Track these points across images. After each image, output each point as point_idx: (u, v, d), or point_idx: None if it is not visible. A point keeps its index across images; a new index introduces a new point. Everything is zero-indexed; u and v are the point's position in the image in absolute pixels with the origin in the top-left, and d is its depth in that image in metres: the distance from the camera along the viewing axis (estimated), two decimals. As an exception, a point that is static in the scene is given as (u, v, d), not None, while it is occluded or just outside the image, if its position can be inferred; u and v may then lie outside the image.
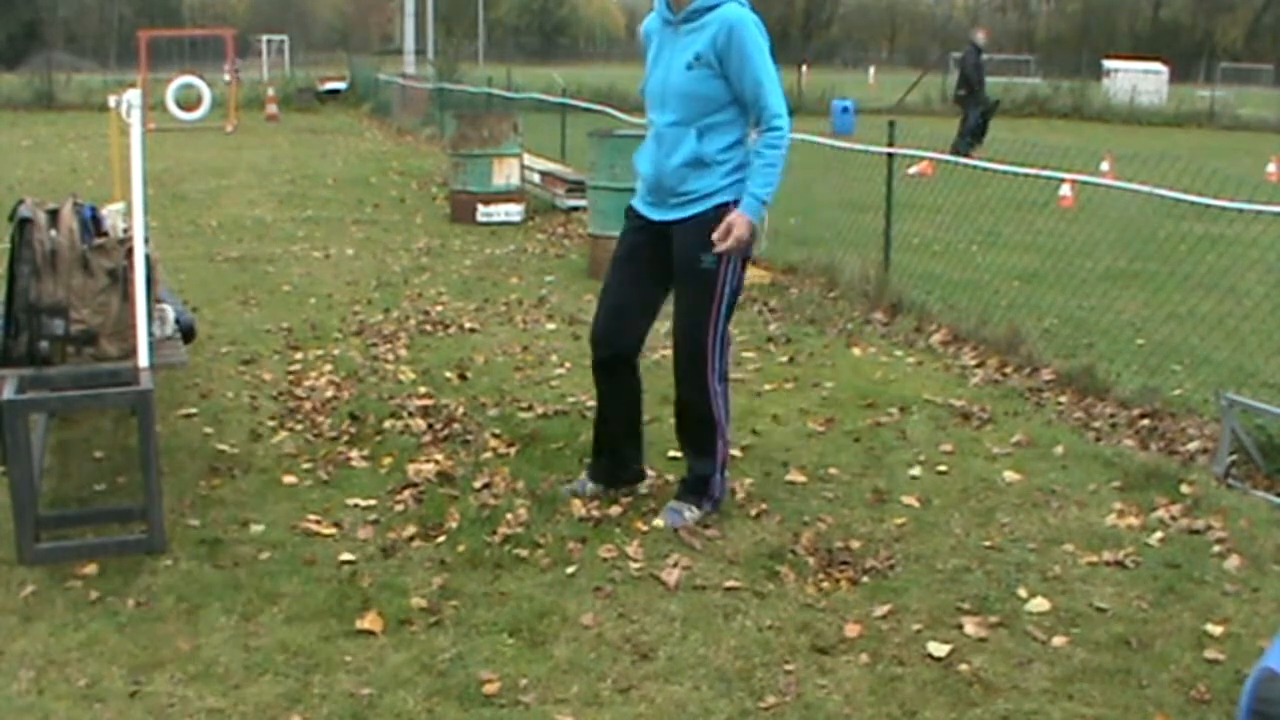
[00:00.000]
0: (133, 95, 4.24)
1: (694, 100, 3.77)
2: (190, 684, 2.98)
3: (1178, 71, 41.59)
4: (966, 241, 9.69)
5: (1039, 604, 3.45)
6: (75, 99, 27.92)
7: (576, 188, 11.22)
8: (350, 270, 8.62)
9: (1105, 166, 12.82)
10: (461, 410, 5.20)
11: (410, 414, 5.13)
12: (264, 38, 40.92)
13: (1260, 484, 4.41)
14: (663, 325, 6.93)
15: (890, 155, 7.61)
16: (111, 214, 4.49)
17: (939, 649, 3.18)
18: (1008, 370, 5.94)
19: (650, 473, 4.47)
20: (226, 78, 25.00)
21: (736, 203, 3.78)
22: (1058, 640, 3.25)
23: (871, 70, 50.15)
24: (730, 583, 3.57)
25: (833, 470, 4.54)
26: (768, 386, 5.68)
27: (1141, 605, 3.46)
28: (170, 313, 4.58)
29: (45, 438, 4.52)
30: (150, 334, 3.95)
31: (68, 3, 61.28)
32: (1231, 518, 4.07)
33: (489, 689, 2.96)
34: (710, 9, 3.75)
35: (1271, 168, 15.19)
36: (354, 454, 4.65)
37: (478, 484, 4.31)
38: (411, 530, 3.93)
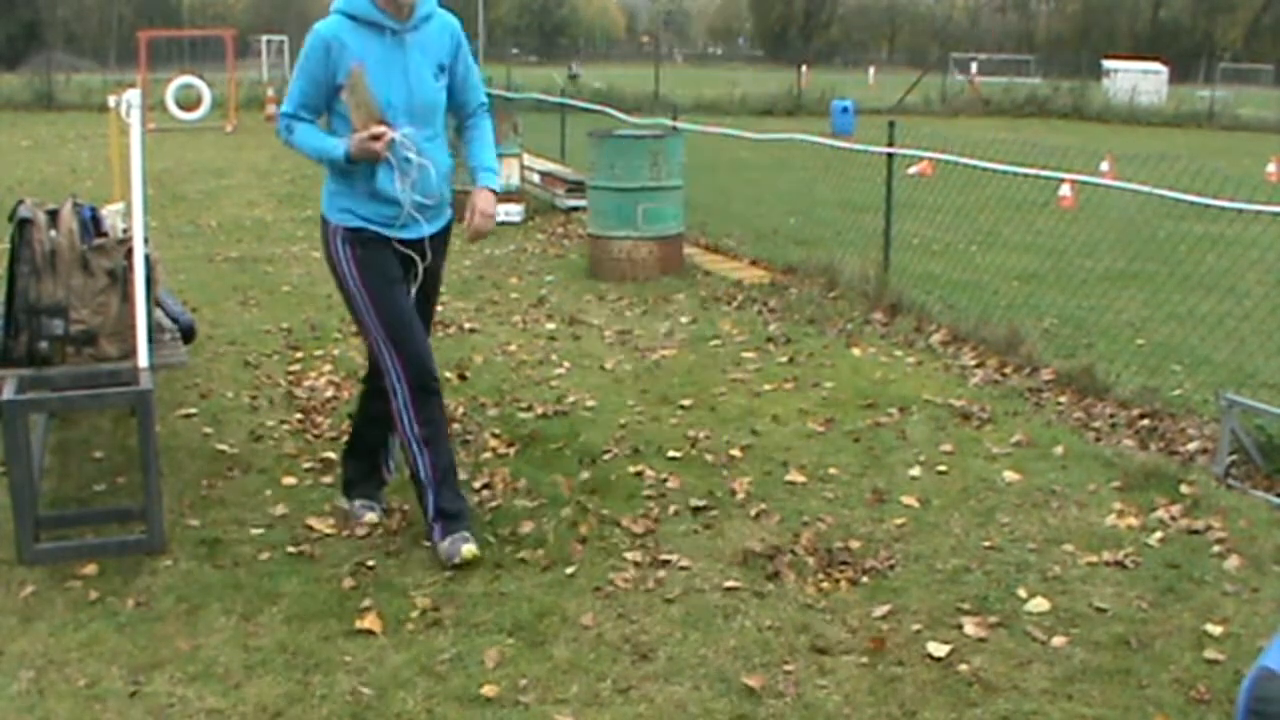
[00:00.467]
0: (132, 95, 4.24)
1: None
2: (190, 684, 2.98)
3: (1177, 71, 41.61)
4: (966, 241, 9.70)
5: (1039, 604, 3.45)
6: (75, 99, 27.91)
7: (576, 188, 11.22)
8: (350, 270, 8.60)
9: (1105, 166, 12.82)
10: (461, 410, 5.20)
11: (410, 414, 5.13)
12: (263, 38, 40.92)
13: (1260, 484, 4.41)
14: (662, 325, 6.96)
15: (890, 155, 7.62)
16: (111, 214, 4.49)
17: (939, 649, 3.18)
18: (1007, 370, 5.95)
19: (650, 473, 4.48)
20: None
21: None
22: (1057, 640, 3.25)
23: (871, 70, 50.16)
24: (730, 583, 3.57)
25: (833, 470, 4.54)
26: (768, 386, 5.68)
27: (1141, 605, 3.47)
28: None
29: (45, 438, 4.52)
30: (150, 334, 3.95)
31: (68, 3, 61.27)
32: (1231, 518, 4.07)
33: (489, 689, 2.96)
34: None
35: (1271, 168, 15.19)
36: (354, 454, 4.65)
37: (478, 484, 4.31)
38: (411, 530, 3.93)
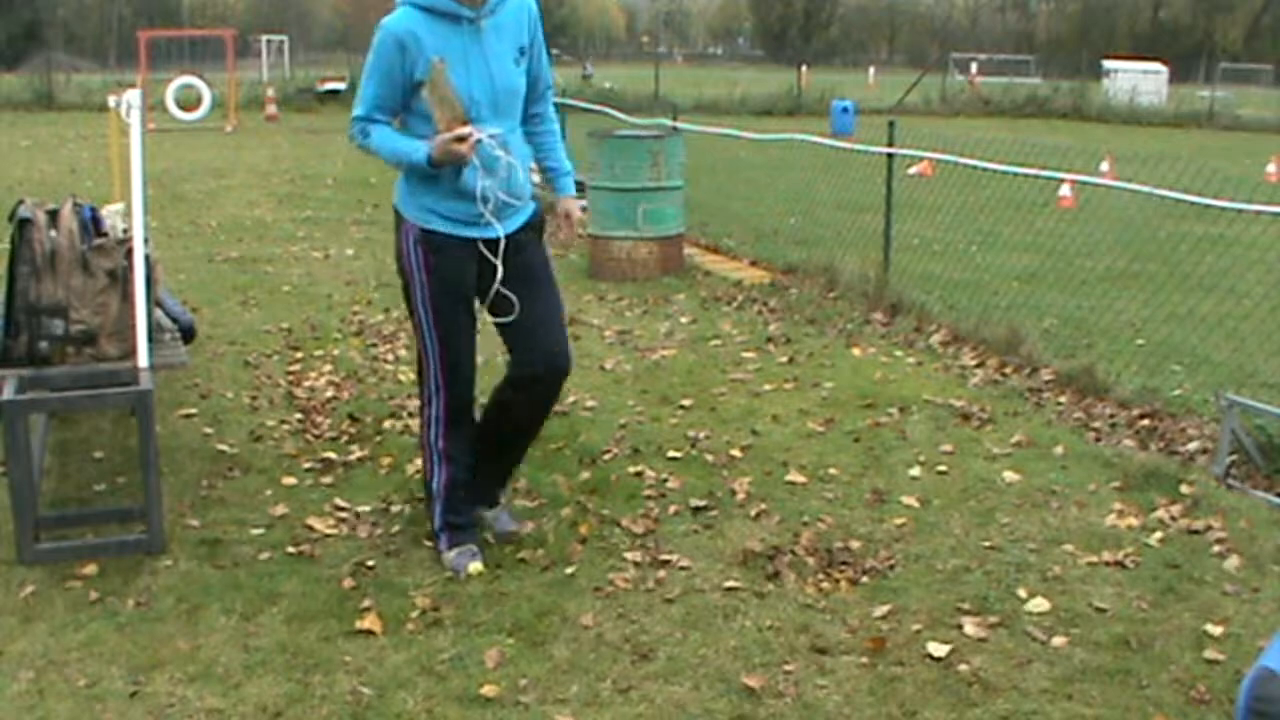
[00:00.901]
0: (132, 95, 4.24)
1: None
2: (190, 684, 2.98)
3: (1177, 72, 41.59)
4: (966, 241, 9.70)
5: (1039, 604, 3.45)
6: (75, 99, 27.91)
7: (577, 188, 11.21)
8: (350, 270, 8.62)
9: (1105, 167, 12.82)
10: (461, 410, 5.20)
11: (410, 414, 5.13)
12: (263, 38, 40.92)
13: (1260, 484, 4.41)
14: (662, 325, 6.96)
15: (890, 155, 7.62)
16: (111, 214, 4.49)
17: (939, 649, 3.18)
18: (1008, 370, 5.95)
19: (650, 473, 4.48)
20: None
21: None
22: (1057, 640, 3.25)
23: (871, 70, 50.16)
24: (730, 583, 3.57)
25: (833, 470, 4.54)
26: (767, 386, 5.68)
27: (1141, 605, 3.46)
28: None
29: (45, 438, 4.52)
30: (150, 334, 3.95)
31: (68, 3, 61.29)
32: (1231, 518, 4.07)
33: (489, 689, 2.96)
34: None
35: (1271, 168, 15.19)
36: (354, 454, 4.65)
37: (478, 484, 4.31)
38: (411, 530, 3.93)
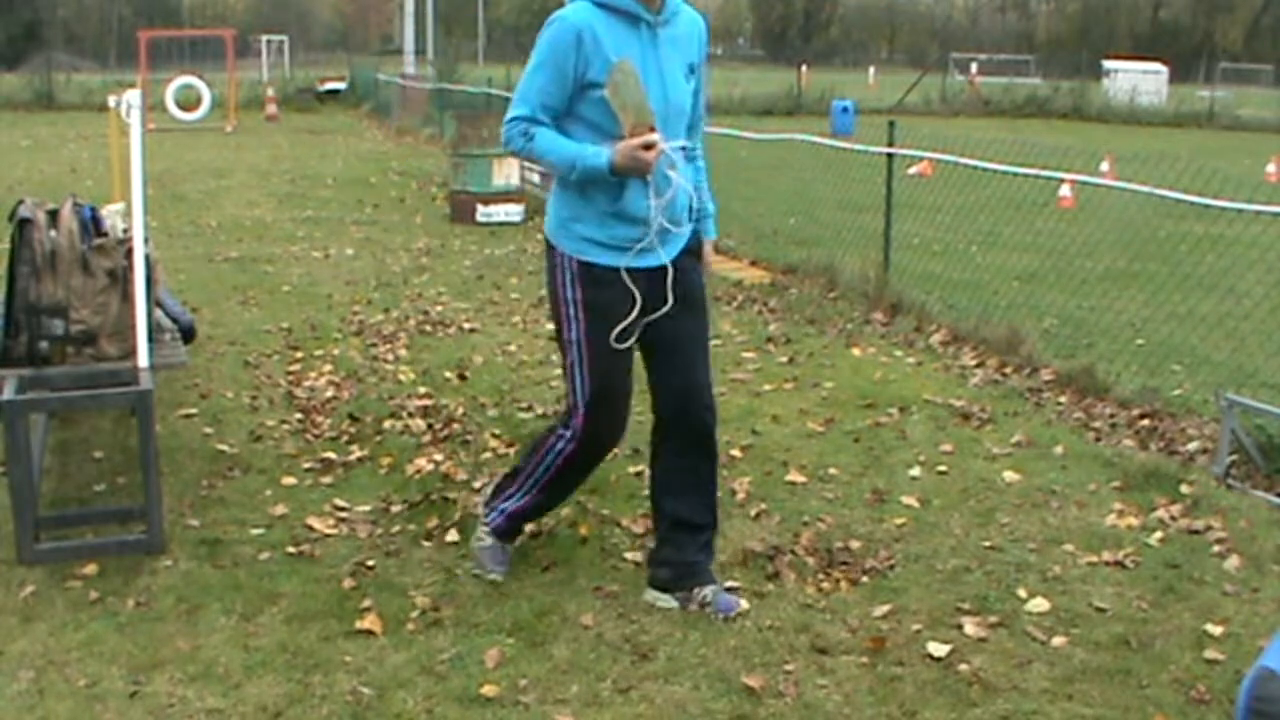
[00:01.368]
0: (132, 95, 4.24)
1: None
2: (190, 684, 2.98)
3: (1177, 72, 41.62)
4: (966, 241, 9.70)
5: (1039, 604, 3.45)
6: (75, 99, 27.94)
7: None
8: (350, 270, 8.62)
9: (1105, 167, 12.82)
10: (461, 410, 5.20)
11: (410, 414, 5.13)
12: (263, 38, 40.95)
13: (1260, 484, 4.41)
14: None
15: (890, 155, 7.62)
16: (111, 214, 4.49)
17: (939, 649, 3.18)
18: (1008, 370, 5.95)
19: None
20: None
21: None
22: (1057, 640, 3.25)
23: (871, 70, 50.16)
24: (730, 583, 3.57)
25: (833, 470, 4.54)
26: (767, 386, 5.68)
27: (1141, 605, 3.46)
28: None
29: (45, 438, 4.52)
30: (150, 334, 3.95)
31: (67, 3, 61.30)
32: (1231, 518, 4.07)
33: (489, 689, 2.96)
34: None
35: (1271, 168, 15.19)
36: (354, 454, 4.65)
37: (478, 484, 4.31)
38: (411, 530, 3.93)
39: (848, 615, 3.38)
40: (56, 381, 3.88)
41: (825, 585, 3.57)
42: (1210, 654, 3.17)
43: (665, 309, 3.24)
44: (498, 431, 4.92)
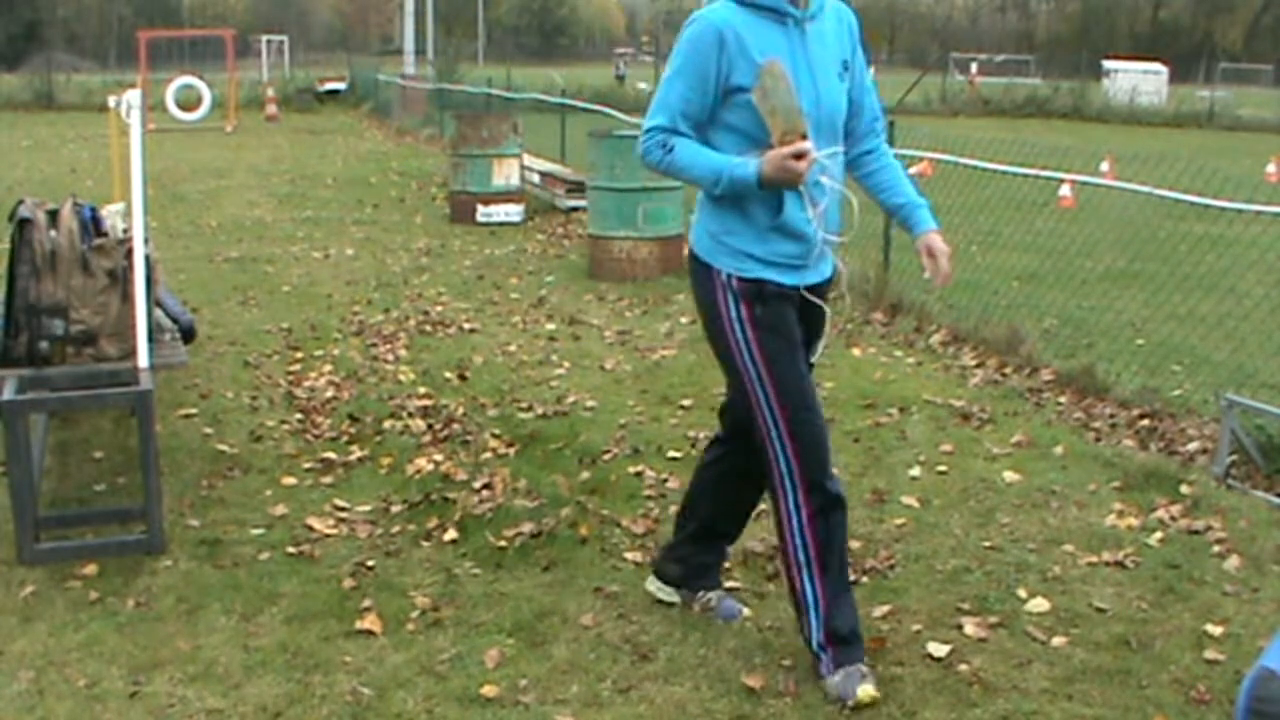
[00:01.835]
0: (133, 95, 4.24)
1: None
2: (190, 684, 2.98)
3: (1177, 72, 41.64)
4: (966, 241, 9.69)
5: (1039, 604, 3.45)
6: (75, 99, 27.94)
7: (576, 188, 11.23)
8: (350, 270, 8.62)
9: (1105, 167, 12.81)
10: (461, 410, 5.20)
11: (410, 414, 5.13)
12: (263, 38, 40.94)
13: (1260, 484, 4.40)
14: (662, 325, 6.95)
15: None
16: (111, 214, 4.49)
17: (939, 649, 3.18)
18: (1007, 370, 5.95)
19: (650, 473, 4.47)
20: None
21: None
22: (1057, 640, 3.25)
23: (872, 70, 50.09)
24: (730, 583, 3.57)
25: (833, 470, 4.53)
26: (767, 386, 5.67)
27: (1141, 605, 3.46)
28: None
29: (45, 438, 4.52)
30: (150, 334, 3.95)
31: (67, 3, 61.31)
32: (1231, 518, 4.07)
33: (489, 689, 2.96)
34: None
35: (1271, 168, 15.19)
36: (354, 454, 4.65)
37: (478, 484, 4.31)
38: (411, 530, 3.93)
39: (848, 615, 3.38)
40: (56, 381, 3.88)
41: (825, 585, 3.56)
42: (1210, 654, 3.17)
43: (824, 328, 3.00)
44: (498, 431, 4.92)
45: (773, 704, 2.92)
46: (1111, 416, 5.23)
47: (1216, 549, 3.84)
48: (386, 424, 5.01)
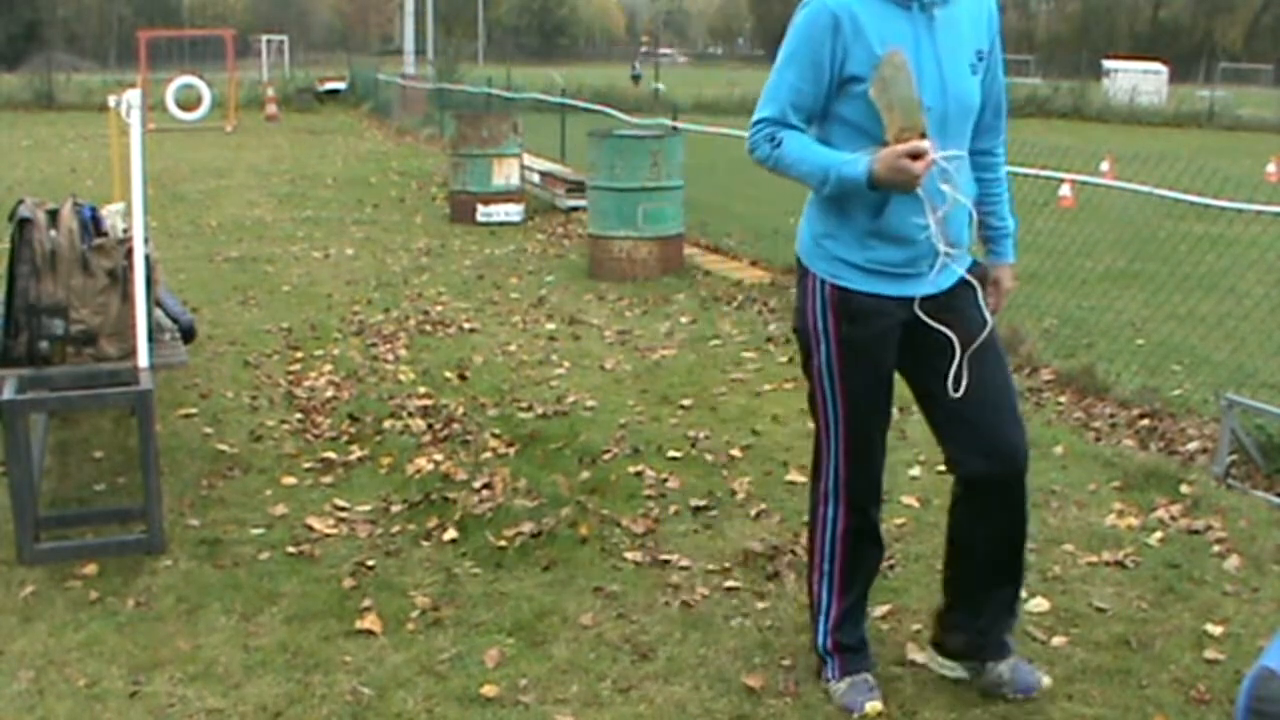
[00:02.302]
0: (133, 95, 4.24)
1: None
2: (190, 684, 2.98)
3: (1177, 72, 41.63)
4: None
5: (1039, 604, 3.45)
6: (75, 99, 27.94)
7: (576, 188, 11.23)
8: (350, 270, 8.62)
9: (1105, 167, 12.81)
10: (461, 410, 5.20)
11: (410, 414, 5.13)
12: (263, 38, 40.93)
13: (1260, 484, 4.40)
14: (662, 325, 6.95)
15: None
16: (111, 214, 4.49)
17: (939, 649, 3.18)
18: (1007, 370, 5.94)
19: (650, 473, 4.47)
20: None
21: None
22: (1057, 640, 3.25)
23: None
24: (730, 583, 3.57)
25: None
26: (768, 386, 5.68)
27: (1141, 605, 3.46)
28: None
29: (45, 438, 4.52)
30: (150, 334, 3.95)
31: (67, 3, 61.32)
32: (1231, 518, 4.07)
33: (489, 689, 2.96)
34: None
35: (1271, 168, 15.19)
36: (354, 454, 4.65)
37: (478, 484, 4.31)
38: (411, 530, 3.93)
39: (848, 615, 3.37)
40: (56, 381, 3.88)
41: (825, 585, 3.56)
42: (1210, 654, 3.17)
43: (957, 351, 2.71)
44: (498, 431, 4.92)
45: (773, 704, 2.92)
46: (1111, 416, 5.23)
47: (1216, 549, 3.84)
48: (386, 424, 5.01)
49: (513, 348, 6.39)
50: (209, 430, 4.91)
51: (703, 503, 4.19)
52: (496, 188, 11.04)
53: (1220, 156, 17.39)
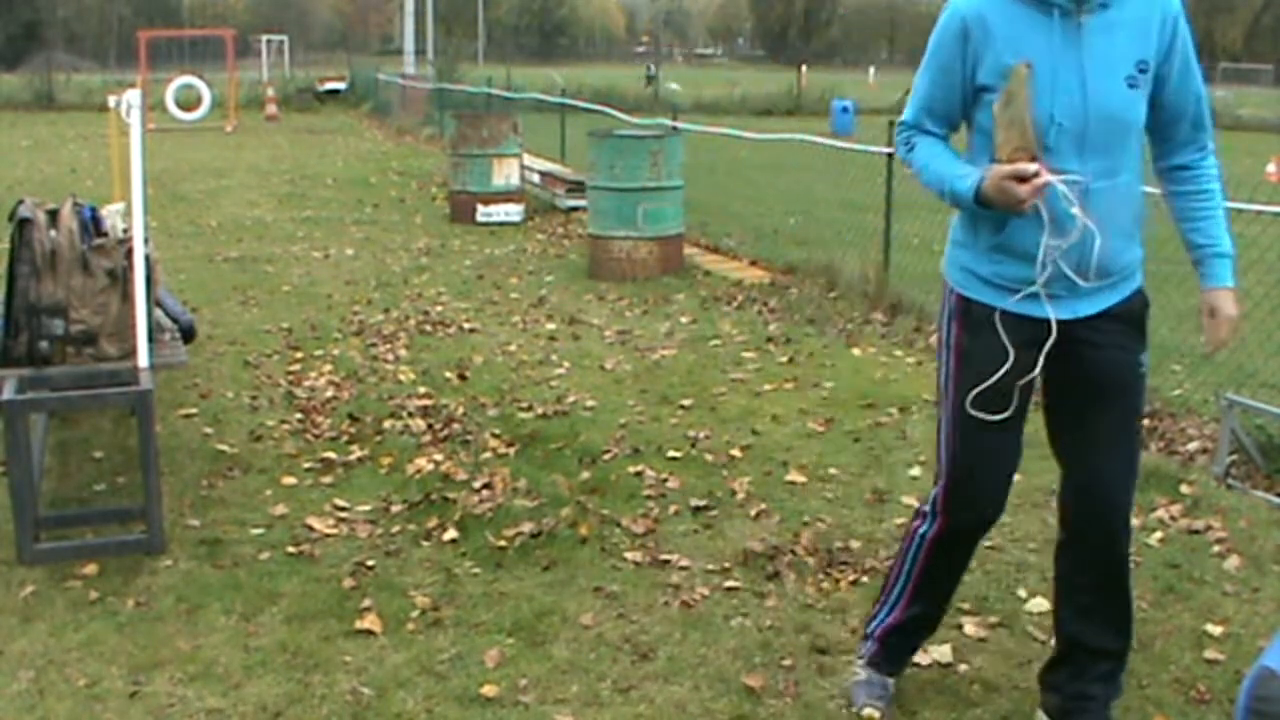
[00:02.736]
0: (133, 95, 4.24)
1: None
2: (190, 684, 2.98)
3: (1178, 71, 41.52)
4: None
5: (1039, 604, 3.45)
6: (75, 99, 27.96)
7: (576, 188, 11.23)
8: (350, 270, 8.62)
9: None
10: (461, 410, 5.20)
11: (410, 414, 5.13)
12: (263, 38, 40.95)
13: (1260, 484, 4.41)
14: (662, 325, 6.95)
15: (890, 155, 7.61)
16: (111, 214, 4.49)
17: (939, 649, 3.18)
18: (1007, 370, 5.94)
19: (650, 473, 4.47)
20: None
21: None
22: (1057, 640, 3.25)
23: (871, 70, 50.16)
24: (730, 583, 3.57)
25: (833, 470, 4.54)
26: (768, 386, 5.68)
27: (1141, 605, 3.46)
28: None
29: (45, 438, 4.52)
30: (150, 334, 3.95)
31: (67, 3, 61.32)
32: (1231, 518, 4.07)
33: (489, 689, 2.96)
34: None
35: (1271, 168, 15.19)
36: (354, 454, 4.65)
37: (478, 484, 4.31)
38: (411, 530, 3.93)
39: (848, 615, 3.38)
40: (56, 381, 3.88)
41: (825, 585, 3.57)
42: (1210, 654, 3.17)
43: (1036, 374, 2.59)
44: (498, 431, 4.92)
45: (773, 704, 2.92)
46: (1111, 416, 5.23)
47: (1216, 549, 3.84)
48: (386, 424, 5.01)
49: (513, 348, 6.39)
50: (209, 430, 4.92)
51: (703, 503, 4.19)
52: (496, 188, 11.05)
53: (1220, 156, 17.36)
